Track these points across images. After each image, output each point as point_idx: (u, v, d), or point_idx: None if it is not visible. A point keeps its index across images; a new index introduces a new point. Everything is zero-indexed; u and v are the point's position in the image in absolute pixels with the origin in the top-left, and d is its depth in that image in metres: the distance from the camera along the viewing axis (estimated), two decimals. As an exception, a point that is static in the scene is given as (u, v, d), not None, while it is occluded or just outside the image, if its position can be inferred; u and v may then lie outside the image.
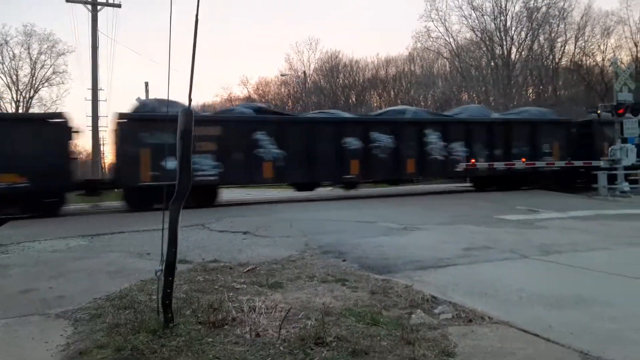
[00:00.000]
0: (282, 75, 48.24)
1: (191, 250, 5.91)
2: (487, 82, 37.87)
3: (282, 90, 51.40)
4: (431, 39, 41.21)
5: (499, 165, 14.97)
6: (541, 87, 37.50)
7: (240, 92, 52.14)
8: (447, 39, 40.68)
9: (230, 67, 75.38)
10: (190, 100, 2.95)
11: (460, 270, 4.77)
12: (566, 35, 36.72)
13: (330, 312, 3.29)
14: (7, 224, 9.96)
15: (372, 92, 49.13)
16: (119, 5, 22.30)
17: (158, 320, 2.98)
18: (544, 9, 36.18)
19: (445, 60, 42.98)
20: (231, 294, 3.84)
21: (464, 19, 39.03)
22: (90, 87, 21.81)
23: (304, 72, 45.63)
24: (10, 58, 39.97)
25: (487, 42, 38.13)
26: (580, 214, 9.45)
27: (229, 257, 5.51)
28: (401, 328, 2.99)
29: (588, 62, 36.56)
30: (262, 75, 66.48)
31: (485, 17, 37.85)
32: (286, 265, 5.07)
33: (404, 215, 9.29)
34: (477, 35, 38.82)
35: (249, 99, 50.69)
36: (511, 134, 15.45)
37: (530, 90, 38.51)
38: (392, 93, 47.64)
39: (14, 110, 39.34)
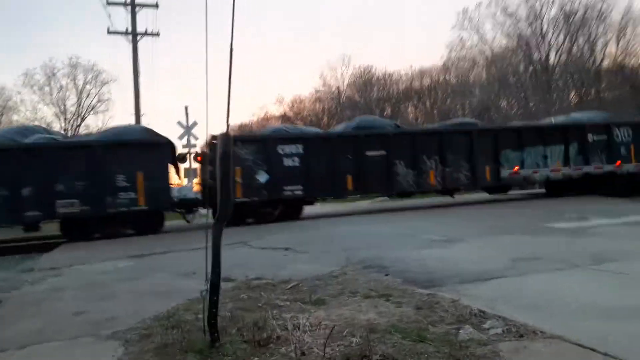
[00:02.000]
0: (316, 91, 48.66)
1: (234, 268, 5.97)
2: (526, 88, 36.97)
3: (317, 106, 51.78)
4: (465, 48, 40.76)
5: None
6: (583, 90, 36.28)
7: (276, 110, 52.81)
8: (482, 46, 40.13)
9: (265, 86, 76.68)
10: (227, 125, 3.01)
11: (508, 282, 4.62)
12: (607, 37, 35.50)
13: (375, 328, 3.24)
14: (59, 247, 10.39)
15: (407, 104, 48.82)
16: (157, 34, 23.16)
17: (204, 339, 3.01)
18: (581, 11, 35.19)
19: (481, 68, 42.31)
20: (275, 311, 3.85)
21: (498, 26, 38.43)
22: (133, 112, 22.68)
23: (338, 88, 45.92)
24: (58, 89, 42.06)
25: (524, 48, 37.33)
26: (633, 219, 9.01)
27: (271, 274, 5.54)
28: (449, 344, 2.91)
29: (631, 62, 35.19)
30: (297, 93, 67.17)
31: (520, 23, 37.15)
32: (328, 281, 5.04)
33: (446, 227, 9.11)
34: (513, 42, 38.09)
35: (284, 117, 51.33)
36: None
37: (572, 94, 37.32)
38: (427, 104, 47.21)
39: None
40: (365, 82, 48.53)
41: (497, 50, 39.69)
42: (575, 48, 36.00)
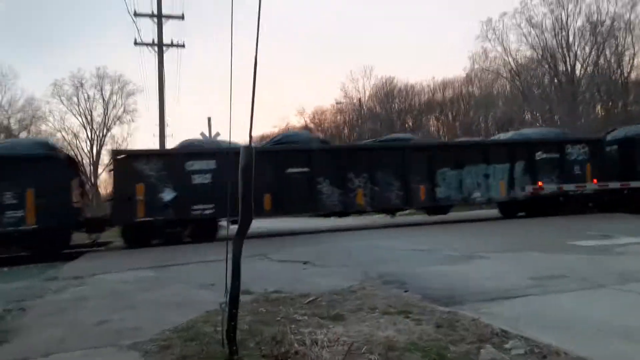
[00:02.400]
0: (337, 103, 48.87)
1: (253, 281, 5.98)
2: (551, 100, 36.44)
3: (338, 118, 51.99)
4: (489, 59, 40.46)
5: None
6: (610, 103, 35.59)
7: (297, 122, 53.19)
8: (506, 58, 39.77)
9: (286, 98, 77.41)
10: (250, 137, 3.05)
11: (531, 301, 4.52)
12: (634, 48, 34.85)
13: (393, 346, 3.20)
14: (83, 256, 10.59)
15: (429, 116, 48.61)
16: (182, 46, 23.61)
17: (223, 352, 3.02)
18: (608, 22, 34.65)
19: (504, 79, 41.92)
20: (293, 325, 3.84)
21: (523, 37, 38.05)
22: (157, 122, 23.10)
23: (359, 99, 46.02)
24: (85, 100, 43.28)
25: (549, 60, 36.87)
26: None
27: (290, 287, 5.53)
28: (470, 364, 2.86)
29: (660, 74, 34.43)
30: (318, 105, 67.62)
31: (545, 34, 36.76)
32: (347, 296, 5.01)
33: (464, 242, 8.99)
34: (537, 53, 37.67)
35: (305, 128, 51.61)
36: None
37: (599, 107, 36.64)
38: (449, 116, 46.91)
39: (88, 149, 42.18)
40: (387, 93, 48.59)
41: (521, 62, 39.30)
42: (602, 60, 35.42)
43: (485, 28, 39.91)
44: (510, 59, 39.68)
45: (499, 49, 39.55)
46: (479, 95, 44.13)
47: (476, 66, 42.11)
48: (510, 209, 15.64)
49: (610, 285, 4.97)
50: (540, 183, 14.50)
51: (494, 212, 17.29)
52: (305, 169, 12.83)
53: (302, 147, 13.31)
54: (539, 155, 14.61)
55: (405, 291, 5.10)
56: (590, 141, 15.50)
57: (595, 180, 14.71)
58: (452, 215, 15.60)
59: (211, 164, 12.13)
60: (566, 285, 5.06)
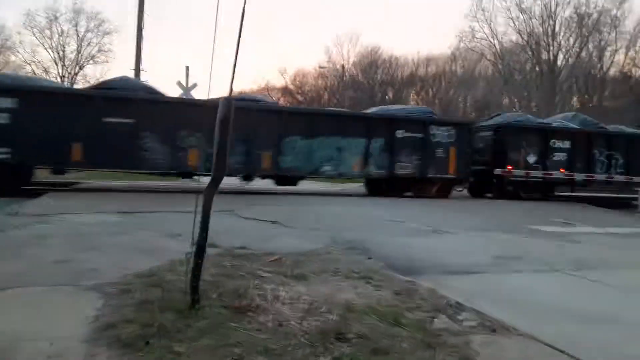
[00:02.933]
0: (320, 67, 48.23)
1: (220, 235, 5.96)
2: (531, 88, 36.91)
3: (320, 82, 51.42)
4: (475, 40, 40.51)
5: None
6: (586, 96, 36.31)
7: (277, 81, 52.38)
8: (492, 40, 39.95)
9: (268, 55, 75.79)
10: (231, 88, 2.99)
11: (488, 278, 4.70)
12: (617, 45, 35.46)
13: (352, 308, 3.29)
14: (48, 194, 10.34)
15: (410, 90, 48.61)
16: (166, -11, 22.71)
17: (185, 300, 3.04)
18: (595, 15, 35.01)
19: (488, 62, 42.12)
20: (256, 281, 3.89)
21: (510, 21, 38.22)
22: (133, 67, 22.39)
23: (343, 66, 45.53)
24: (58, 34, 41.34)
25: (533, 46, 37.17)
26: (619, 230, 9.15)
27: (255, 245, 5.57)
28: (423, 331, 2.97)
29: (638, 73, 35.17)
30: (301, 66, 66.46)
31: (533, 20, 36.98)
32: (311, 258, 5.09)
33: (433, 217, 9.19)
34: (523, 39, 37.93)
35: (285, 89, 50.95)
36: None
37: (575, 98, 37.34)
38: (430, 92, 47.02)
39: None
40: (371, 63, 48.15)
41: (506, 45, 39.50)
42: (584, 53, 35.93)
43: (475, 7, 39.80)
44: (496, 42, 39.89)
45: (486, 30, 39.66)
46: (462, 74, 44.28)
47: (462, 45, 42.14)
48: (378, 187, 14.51)
49: (565, 270, 5.20)
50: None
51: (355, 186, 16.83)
52: (128, 120, 11.47)
53: (125, 94, 11.92)
54: (401, 133, 13.76)
55: (369, 258, 5.21)
56: (458, 124, 15.26)
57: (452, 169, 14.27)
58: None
59: (11, 102, 10.77)
60: (523, 266, 5.27)
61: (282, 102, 40.35)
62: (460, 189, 16.23)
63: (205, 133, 11.14)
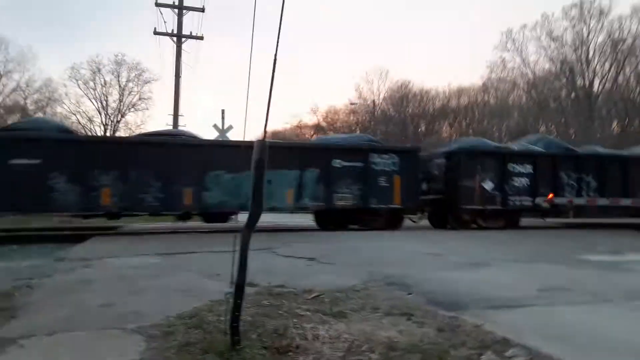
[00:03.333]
0: (351, 104, 48.83)
1: (258, 274, 6.02)
2: (567, 114, 36.16)
3: (351, 118, 51.93)
4: (506, 70, 40.28)
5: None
6: (627, 121, 35.23)
7: (309, 120, 53.23)
8: (524, 69, 39.62)
9: (300, 95, 77.48)
10: (265, 131, 3.08)
11: (535, 311, 4.51)
12: (655, 67, 34.47)
13: (394, 347, 3.21)
14: (91, 239, 10.70)
15: (442, 122, 48.44)
16: (201, 38, 23.76)
17: (226, 341, 3.05)
18: (629, 40, 34.33)
19: (521, 90, 41.68)
20: (295, 320, 3.86)
21: (542, 49, 37.89)
22: (171, 112, 23.28)
23: (373, 101, 45.96)
24: (101, 85, 43.61)
25: (567, 73, 36.62)
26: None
27: (293, 282, 5.56)
28: (470, 369, 2.86)
29: (679, 95, 34.04)
30: (332, 104, 67.43)
31: (565, 47, 36.52)
32: (350, 294, 5.02)
33: (473, 249, 8.96)
34: (556, 66, 37.44)
35: (318, 126, 51.67)
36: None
37: (615, 124, 36.28)
38: (463, 123, 46.70)
39: (102, 134, 42.57)
40: (402, 97, 48.45)
41: (539, 74, 39.08)
42: (621, 77, 35.10)
43: (505, 38, 39.76)
44: (528, 70, 39.54)
45: (518, 59, 39.45)
46: (494, 104, 43.92)
47: (493, 75, 42.03)
48: (328, 219, 14.10)
49: (617, 301, 4.94)
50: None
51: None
52: (35, 161, 11.19)
53: (31, 135, 11.57)
54: (338, 163, 13.29)
55: (409, 294, 5.10)
56: (403, 151, 14.47)
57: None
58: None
59: None
60: (572, 298, 5.03)
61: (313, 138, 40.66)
62: (415, 220, 15.63)
63: (118, 171, 11.53)
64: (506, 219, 14.58)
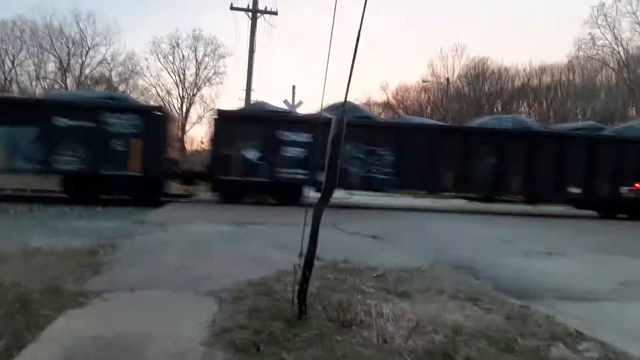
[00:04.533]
0: (423, 81, 47.49)
1: (323, 249, 6.05)
2: (662, 97, 33.15)
3: (422, 96, 50.61)
4: (596, 47, 37.35)
5: None
6: None
7: (379, 97, 52.46)
8: (616, 47, 36.52)
9: (370, 72, 76.26)
10: (344, 108, 3.08)
11: (612, 306, 4.27)
12: None
13: (460, 330, 3.17)
14: (168, 205, 11.32)
15: (521, 102, 46.01)
16: (275, 13, 23.96)
17: (292, 311, 3.15)
18: None
19: (611, 70, 38.59)
20: (359, 296, 3.91)
21: (637, 26, 34.65)
22: (244, 87, 23.84)
23: (447, 79, 44.42)
24: (180, 59, 45.34)
25: (665, 52, 33.38)
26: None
27: (358, 259, 5.59)
28: (538, 359, 2.78)
29: None
30: (402, 81, 65.96)
31: (664, 23, 33.22)
32: (415, 275, 4.99)
33: (547, 237, 8.58)
34: (653, 44, 34.21)
35: (387, 104, 50.87)
36: None
37: None
38: (544, 104, 44.10)
39: (179, 106, 44.48)
40: (478, 74, 46.43)
41: (632, 52, 35.91)
42: None
43: (596, 13, 36.71)
44: (621, 49, 36.43)
45: (609, 36, 36.41)
46: (580, 84, 41.03)
47: (581, 53, 39.06)
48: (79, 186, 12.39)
49: None
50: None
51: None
52: None
53: None
54: (62, 121, 11.66)
55: (477, 279, 4.99)
56: (145, 111, 12.74)
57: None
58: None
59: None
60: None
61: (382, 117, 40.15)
62: (189, 192, 14.27)
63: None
64: (280, 193, 12.87)
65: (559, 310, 3.91)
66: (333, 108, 10.43)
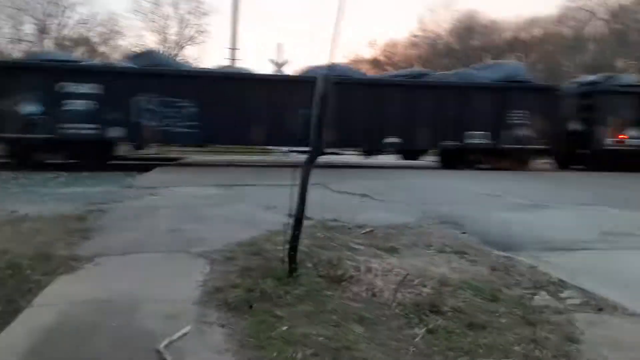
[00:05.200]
0: (413, 37, 46.65)
1: (312, 208, 6.09)
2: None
3: (411, 52, 49.86)
4: (586, -4, 36.75)
5: None
6: None
7: (367, 54, 51.61)
8: (605, -4, 35.96)
9: (358, 28, 74.60)
10: (329, 66, 3.05)
11: (594, 255, 4.41)
12: None
13: (447, 282, 3.27)
14: (156, 169, 11.26)
15: (510, 56, 45.56)
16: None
17: (283, 269, 3.22)
18: None
19: (600, 21, 38.17)
20: (349, 253, 3.98)
21: (629, -28, 34.03)
22: (228, 46, 23.34)
23: (437, 34, 43.71)
24: (162, 17, 43.88)
25: (656, 1, 32.97)
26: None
27: (347, 217, 5.66)
28: (522, 308, 2.89)
29: None
30: (392, 37, 64.64)
31: (655, -30, 32.65)
32: (403, 231, 5.08)
33: (533, 190, 8.72)
34: (643, -8, 33.75)
35: (375, 60, 50.15)
36: None
37: None
38: (533, 57, 43.73)
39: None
40: (467, 28, 45.67)
41: (623, 2, 35.44)
42: None
43: (586, -41, 35.91)
44: (611, -2, 35.84)
45: (599, -15, 35.71)
46: (570, 36, 40.60)
47: (572, 5, 38.41)
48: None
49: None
50: None
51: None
52: None
53: None
54: None
55: (463, 233, 5.09)
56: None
57: None
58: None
59: None
60: (635, 243, 4.86)
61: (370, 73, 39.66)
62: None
63: None
64: (69, 153, 11.86)
65: (543, 261, 4.03)
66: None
